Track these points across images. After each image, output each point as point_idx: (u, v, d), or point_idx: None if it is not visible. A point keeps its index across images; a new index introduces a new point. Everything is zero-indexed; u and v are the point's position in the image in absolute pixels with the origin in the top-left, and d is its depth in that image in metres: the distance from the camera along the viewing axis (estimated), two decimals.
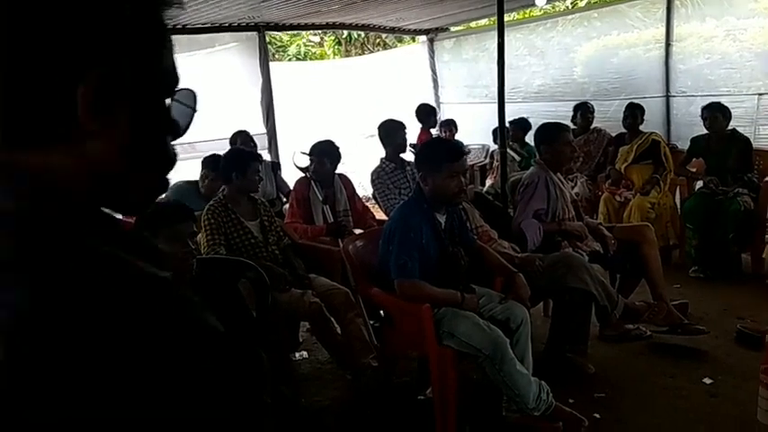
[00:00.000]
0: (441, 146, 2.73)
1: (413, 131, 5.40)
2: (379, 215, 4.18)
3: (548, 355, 2.93)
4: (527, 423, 2.39)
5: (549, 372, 2.62)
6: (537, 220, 3.17)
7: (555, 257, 2.93)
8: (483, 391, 2.60)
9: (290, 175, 4.92)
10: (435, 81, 7.97)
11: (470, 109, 7.34)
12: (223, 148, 4.20)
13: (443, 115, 7.49)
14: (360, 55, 11.39)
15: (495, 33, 3.89)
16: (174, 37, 0.61)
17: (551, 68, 6.58)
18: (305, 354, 3.54)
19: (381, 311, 2.73)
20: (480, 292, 2.60)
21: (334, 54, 12.22)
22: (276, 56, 10.81)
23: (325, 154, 3.83)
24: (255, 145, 4.88)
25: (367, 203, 4.30)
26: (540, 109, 6.39)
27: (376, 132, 4.16)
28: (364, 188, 5.31)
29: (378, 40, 11.78)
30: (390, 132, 4.09)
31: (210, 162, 3.94)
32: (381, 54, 9.37)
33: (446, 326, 2.39)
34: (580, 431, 2.39)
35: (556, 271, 2.83)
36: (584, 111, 5.31)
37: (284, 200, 4.70)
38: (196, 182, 4.12)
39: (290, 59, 11.35)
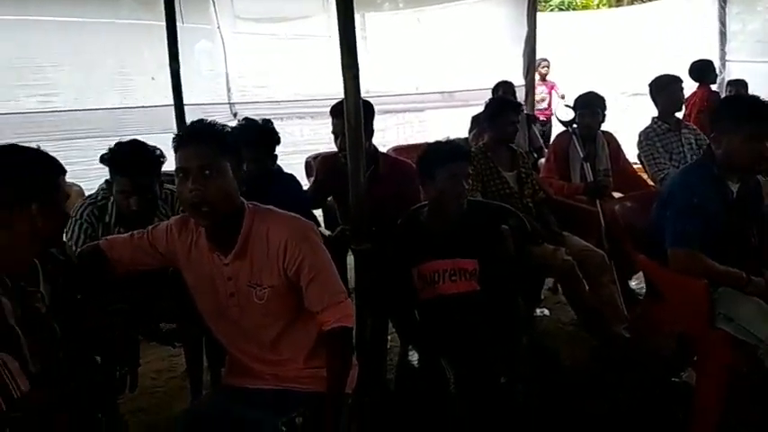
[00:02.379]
0: (744, 103, 2.36)
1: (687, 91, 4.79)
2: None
3: None
4: None
5: None
6: None
7: None
8: (755, 388, 2.28)
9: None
10: (723, 35, 6.97)
11: (764, 69, 6.30)
12: (483, 98, 4.21)
13: (729, 74, 6.54)
14: (632, 5, 10.40)
15: None
16: None
17: None
18: (546, 311, 3.48)
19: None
20: None
21: (601, 4, 11.35)
22: (537, 6, 10.42)
23: (590, 107, 3.62)
24: (515, 97, 4.81)
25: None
26: None
27: (642, 90, 3.77)
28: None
29: None
30: (664, 87, 3.65)
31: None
32: (658, 3, 8.43)
33: (723, 307, 2.12)
34: None
35: None
36: None
37: (534, 155, 4.58)
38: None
39: (551, 10, 10.86)
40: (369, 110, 2.63)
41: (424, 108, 6.11)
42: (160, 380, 2.95)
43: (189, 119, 4.12)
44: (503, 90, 4.67)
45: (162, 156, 2.26)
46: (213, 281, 1.71)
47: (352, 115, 2.04)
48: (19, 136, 3.67)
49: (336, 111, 2.59)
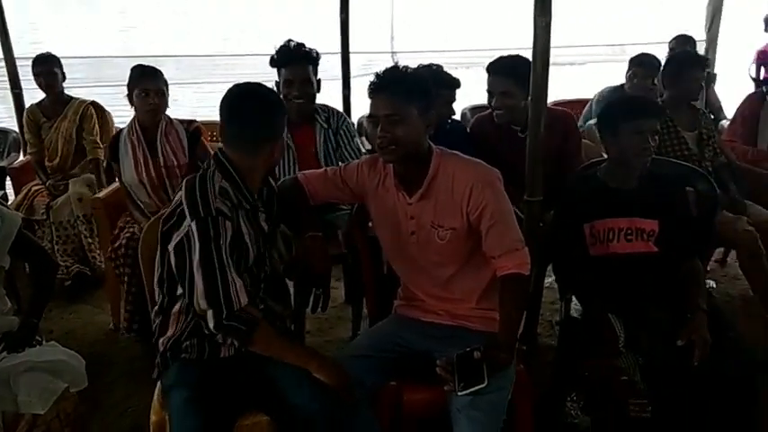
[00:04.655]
0: None
1: None
2: None
3: None
4: None
5: None
6: None
7: None
8: None
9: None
10: None
11: None
12: (656, 52, 3.91)
13: None
14: None
15: None
16: None
17: None
18: (713, 284, 3.27)
19: None
20: None
21: None
22: None
23: None
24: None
25: None
26: None
27: None
28: None
29: None
30: None
31: (639, 62, 3.77)
32: None
33: None
34: None
35: None
36: None
37: (711, 116, 4.20)
38: (621, 85, 4.00)
39: None
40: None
41: (585, 61, 5.82)
42: None
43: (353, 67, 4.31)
44: (678, 44, 4.29)
45: (318, 55, 2.56)
46: (396, 218, 1.82)
47: (539, 65, 2.00)
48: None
49: (496, 68, 2.52)
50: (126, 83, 2.77)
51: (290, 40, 2.53)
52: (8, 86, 4.15)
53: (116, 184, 2.94)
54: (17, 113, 4.16)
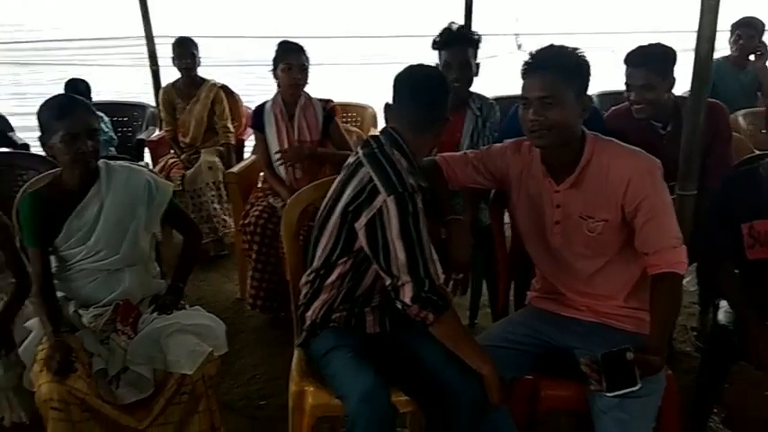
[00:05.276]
0: None
1: None
2: None
3: None
4: None
5: None
6: None
7: None
8: None
9: None
10: None
11: None
12: None
13: None
14: None
15: None
16: None
17: None
18: None
19: None
20: None
21: None
22: None
23: None
24: None
25: None
26: None
27: None
28: None
29: None
30: None
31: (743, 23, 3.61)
32: None
33: None
34: None
35: None
36: None
37: None
38: (727, 57, 3.76)
39: None
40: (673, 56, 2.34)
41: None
42: None
43: None
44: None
45: (479, 38, 2.52)
46: (540, 205, 1.75)
47: (703, 51, 1.84)
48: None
49: (635, 59, 2.31)
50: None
51: (452, 23, 2.49)
52: (147, 63, 4.45)
53: (249, 159, 3.05)
54: (154, 89, 4.44)
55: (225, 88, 3.73)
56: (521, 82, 1.65)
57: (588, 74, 1.63)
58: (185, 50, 3.57)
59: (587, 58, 1.63)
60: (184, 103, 3.66)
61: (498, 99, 3.08)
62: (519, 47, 4.48)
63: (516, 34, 4.57)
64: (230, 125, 3.67)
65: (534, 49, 1.67)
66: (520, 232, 1.87)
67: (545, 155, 1.71)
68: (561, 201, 1.71)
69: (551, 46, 1.66)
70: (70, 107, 1.78)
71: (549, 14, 4.55)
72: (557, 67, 1.59)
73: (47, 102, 1.82)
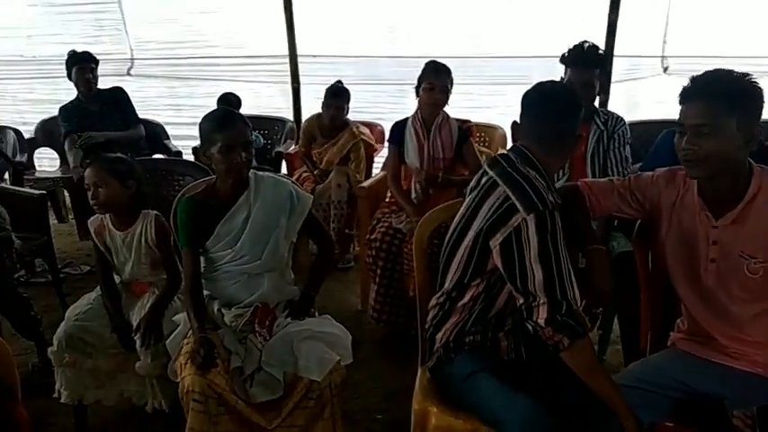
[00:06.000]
0: None
1: None
2: None
3: None
4: None
5: None
6: None
7: None
8: None
9: None
10: None
11: None
12: None
13: None
14: None
15: None
16: None
17: None
18: None
19: None
20: None
21: None
22: None
23: None
24: None
25: None
26: None
27: None
28: None
29: None
30: None
31: None
32: None
33: None
34: None
35: None
36: None
37: None
38: None
39: None
40: None
41: None
42: None
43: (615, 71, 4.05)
44: None
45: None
46: (694, 241, 1.62)
47: None
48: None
49: None
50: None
51: (584, 41, 2.50)
52: (288, 80, 4.71)
53: (380, 175, 3.12)
54: (294, 105, 4.68)
55: (365, 141, 3.74)
56: (664, 105, 1.56)
57: (756, 103, 1.50)
58: (338, 101, 3.63)
59: (759, 85, 1.50)
60: (324, 140, 3.74)
61: (639, 123, 3.00)
62: (665, 69, 4.23)
63: (663, 56, 4.32)
64: (361, 168, 3.70)
65: (696, 73, 1.57)
66: (667, 268, 1.74)
67: (703, 186, 1.59)
68: (719, 237, 1.57)
69: (716, 70, 1.54)
70: (230, 120, 1.91)
71: (703, 36, 4.24)
72: (718, 94, 1.47)
73: (208, 114, 1.97)
